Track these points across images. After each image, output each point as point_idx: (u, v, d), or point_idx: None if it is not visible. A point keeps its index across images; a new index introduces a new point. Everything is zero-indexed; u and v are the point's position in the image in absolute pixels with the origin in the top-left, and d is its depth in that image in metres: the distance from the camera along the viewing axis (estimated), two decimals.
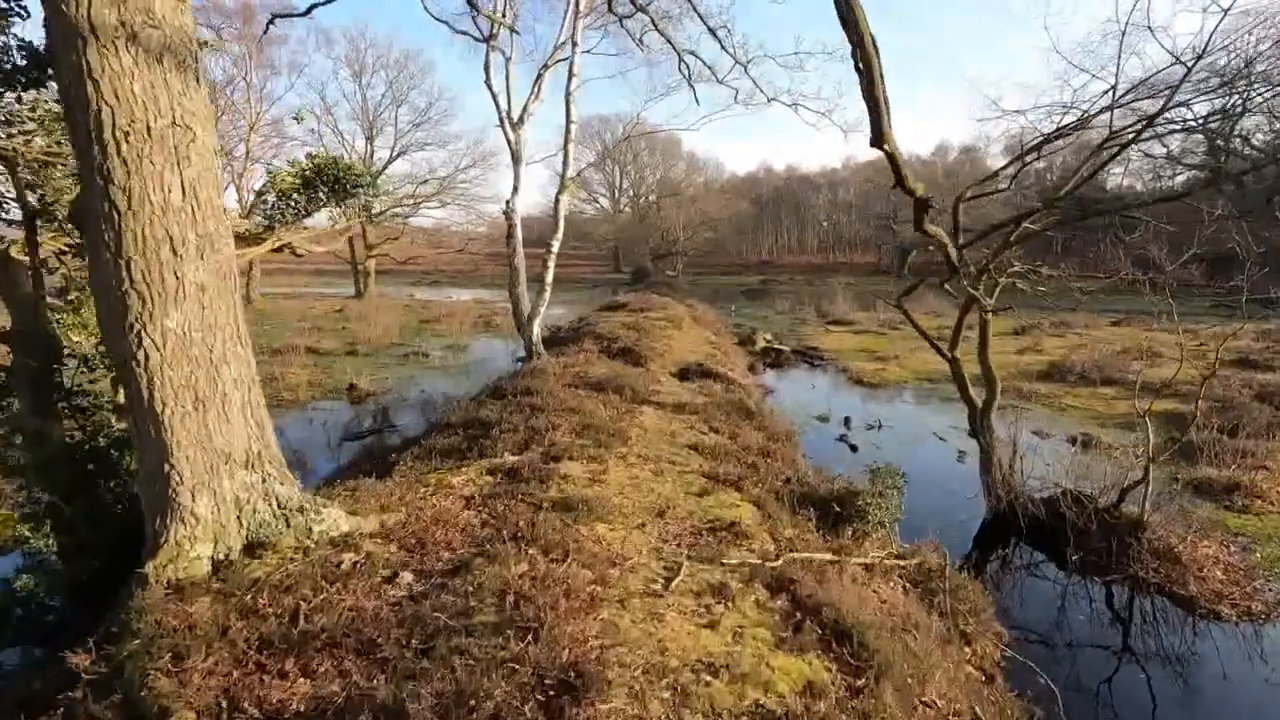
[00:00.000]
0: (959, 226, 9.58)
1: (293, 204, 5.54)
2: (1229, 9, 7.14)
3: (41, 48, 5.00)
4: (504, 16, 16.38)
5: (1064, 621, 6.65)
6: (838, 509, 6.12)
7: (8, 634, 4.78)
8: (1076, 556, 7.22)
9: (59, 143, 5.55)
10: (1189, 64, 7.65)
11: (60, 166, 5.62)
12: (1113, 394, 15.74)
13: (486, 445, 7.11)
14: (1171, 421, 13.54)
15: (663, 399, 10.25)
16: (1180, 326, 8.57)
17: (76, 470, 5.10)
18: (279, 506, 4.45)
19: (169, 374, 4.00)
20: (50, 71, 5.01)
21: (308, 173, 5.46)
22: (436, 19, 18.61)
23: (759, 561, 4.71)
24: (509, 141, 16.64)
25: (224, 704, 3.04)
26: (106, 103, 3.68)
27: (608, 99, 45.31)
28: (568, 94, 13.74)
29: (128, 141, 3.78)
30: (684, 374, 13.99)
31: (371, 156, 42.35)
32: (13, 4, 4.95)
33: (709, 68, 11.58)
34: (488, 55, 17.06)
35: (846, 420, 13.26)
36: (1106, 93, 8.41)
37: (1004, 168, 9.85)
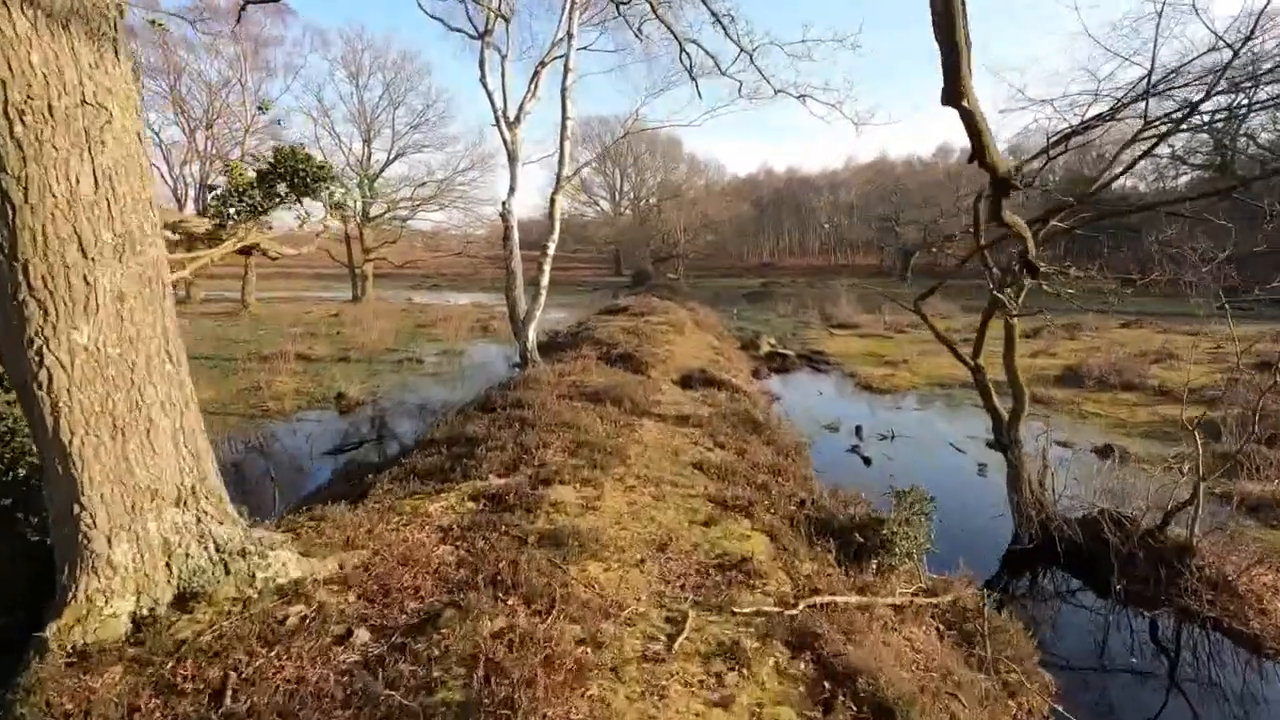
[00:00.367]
0: (980, 225, 8.97)
1: (249, 200, 4.92)
2: None
3: None
4: (498, 6, 15.83)
5: (1109, 659, 6.00)
6: (860, 539, 5.47)
7: None
8: (1121, 585, 6.55)
9: None
10: (1236, 46, 7.04)
11: None
12: (1134, 400, 15.08)
13: (471, 466, 6.47)
14: (1199, 429, 12.89)
15: (664, 410, 9.62)
16: (1230, 329, 7.91)
17: None
18: (217, 550, 3.82)
19: (78, 397, 3.37)
20: None
21: (263, 166, 4.87)
22: (431, 15, 18.14)
23: (776, 610, 4.07)
24: (505, 141, 16.07)
25: None
26: None
27: (607, 101, 44.83)
28: (564, 90, 13.16)
29: (24, 122, 3.16)
30: (686, 381, 13.36)
31: (369, 159, 41.90)
32: None
33: (712, 58, 11.03)
34: (482, 52, 16.51)
35: (858, 430, 12.61)
36: (1141, 80, 7.80)
37: (1027, 161, 9.19)
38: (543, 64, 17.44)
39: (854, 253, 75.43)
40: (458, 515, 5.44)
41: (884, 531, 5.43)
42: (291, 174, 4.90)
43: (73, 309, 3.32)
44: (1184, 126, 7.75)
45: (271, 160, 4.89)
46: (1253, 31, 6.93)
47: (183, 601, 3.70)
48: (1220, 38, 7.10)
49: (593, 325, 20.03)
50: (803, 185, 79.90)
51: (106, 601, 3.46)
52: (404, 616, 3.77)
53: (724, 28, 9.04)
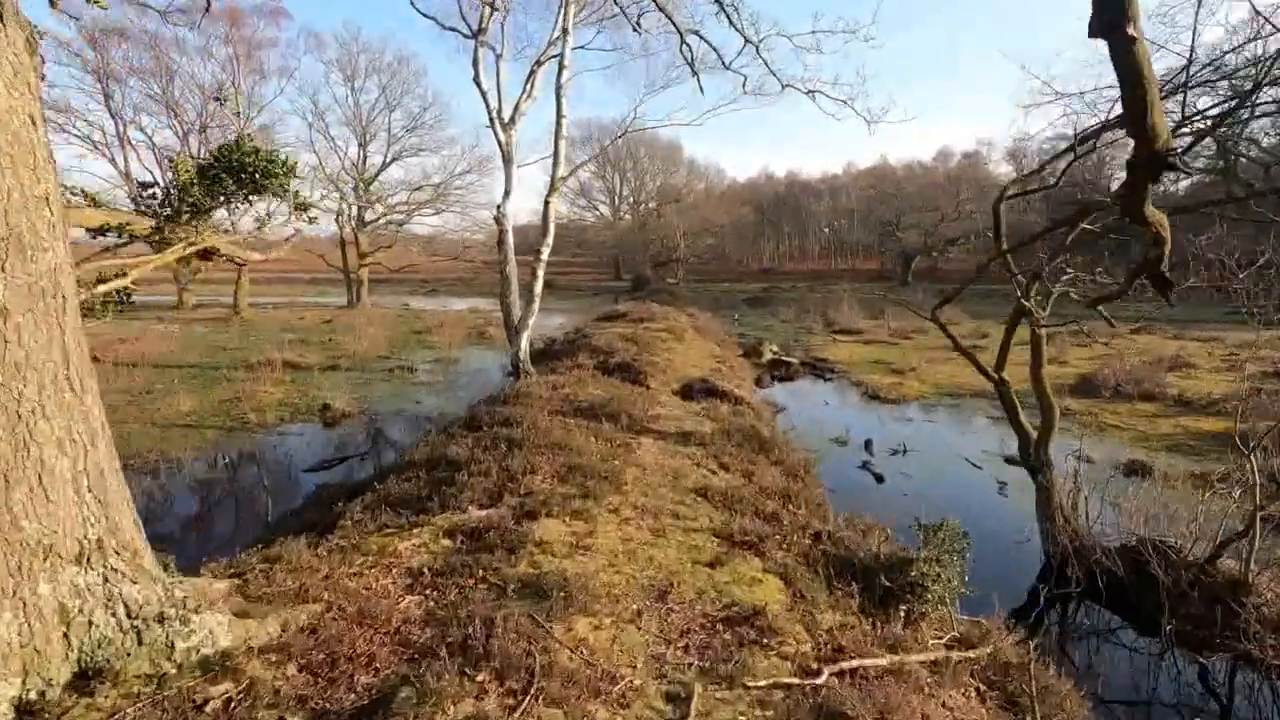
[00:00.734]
0: (1002, 227, 8.38)
1: (190, 199, 4.32)
2: None
3: None
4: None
5: (1158, 710, 5.37)
6: (886, 582, 4.83)
7: None
8: (1171, 626, 5.91)
9: None
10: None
11: None
12: (1153, 410, 14.45)
13: (450, 494, 5.84)
14: (1222, 442, 12.30)
15: (664, 425, 9.00)
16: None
17: None
18: (128, 616, 3.19)
19: None
20: None
21: (203, 160, 4.27)
22: (424, 14, 17.70)
23: (796, 680, 3.44)
24: (499, 143, 15.52)
25: None
26: None
27: (605, 103, 44.32)
28: (558, 87, 12.59)
29: None
30: (687, 392, 12.74)
31: (364, 162, 41.36)
32: None
33: (714, 50, 10.41)
34: (476, 51, 15.98)
35: (868, 444, 11.98)
36: (1180, 70, 7.21)
37: (1052, 160, 8.62)
38: (539, 63, 16.91)
39: (854, 257, 74.99)
40: (430, 555, 4.81)
41: (913, 573, 4.80)
42: (238, 169, 4.30)
43: None
44: (1229, 119, 7.13)
45: (214, 154, 4.31)
46: None
47: (83, 680, 3.06)
48: (1268, 19, 6.50)
49: (590, 332, 19.42)
50: (803, 190, 79.52)
51: None
52: (351, 696, 3.14)
53: (728, 17, 8.48)
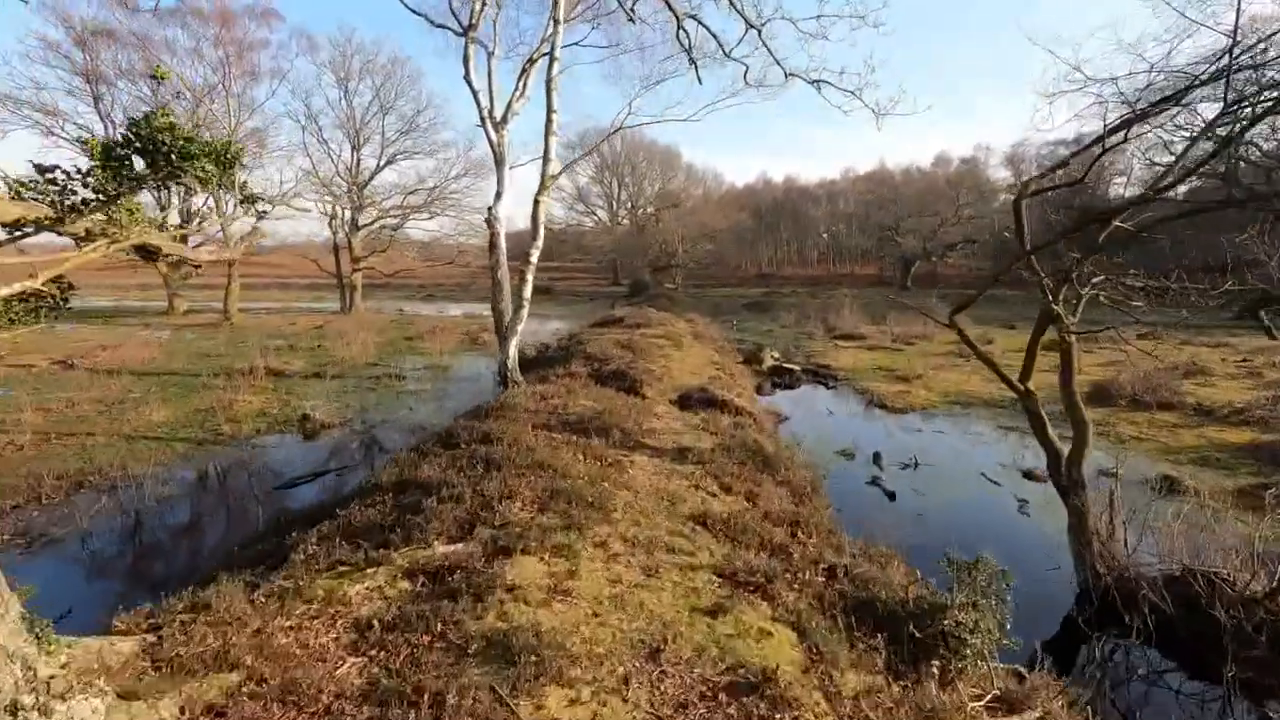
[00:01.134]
0: (1024, 227, 7.73)
1: (94, 184, 3.65)
2: None
3: None
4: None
5: None
6: (915, 631, 4.15)
7: None
8: (1232, 672, 5.22)
9: None
10: None
11: None
12: (1173, 420, 13.80)
13: (416, 524, 5.16)
14: (1252, 455, 11.66)
15: (659, 441, 8.32)
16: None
17: None
18: None
19: None
20: None
21: (110, 139, 3.60)
22: (414, 11, 17.07)
23: None
24: (491, 143, 14.89)
25: None
26: None
27: (604, 106, 43.79)
28: (548, 81, 11.97)
29: None
30: (685, 401, 12.07)
31: (358, 166, 40.68)
32: None
33: (713, 35, 9.77)
34: (467, 48, 15.37)
35: (877, 457, 11.30)
36: (1221, 55, 6.58)
37: (1078, 153, 7.98)
38: (531, 61, 16.30)
39: (853, 262, 74.50)
40: (384, 602, 4.12)
41: (946, 622, 4.12)
42: (152, 149, 3.63)
43: None
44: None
45: (126, 131, 3.63)
46: None
47: None
48: None
49: (585, 338, 18.75)
50: (801, 195, 79.11)
51: None
52: None
53: None
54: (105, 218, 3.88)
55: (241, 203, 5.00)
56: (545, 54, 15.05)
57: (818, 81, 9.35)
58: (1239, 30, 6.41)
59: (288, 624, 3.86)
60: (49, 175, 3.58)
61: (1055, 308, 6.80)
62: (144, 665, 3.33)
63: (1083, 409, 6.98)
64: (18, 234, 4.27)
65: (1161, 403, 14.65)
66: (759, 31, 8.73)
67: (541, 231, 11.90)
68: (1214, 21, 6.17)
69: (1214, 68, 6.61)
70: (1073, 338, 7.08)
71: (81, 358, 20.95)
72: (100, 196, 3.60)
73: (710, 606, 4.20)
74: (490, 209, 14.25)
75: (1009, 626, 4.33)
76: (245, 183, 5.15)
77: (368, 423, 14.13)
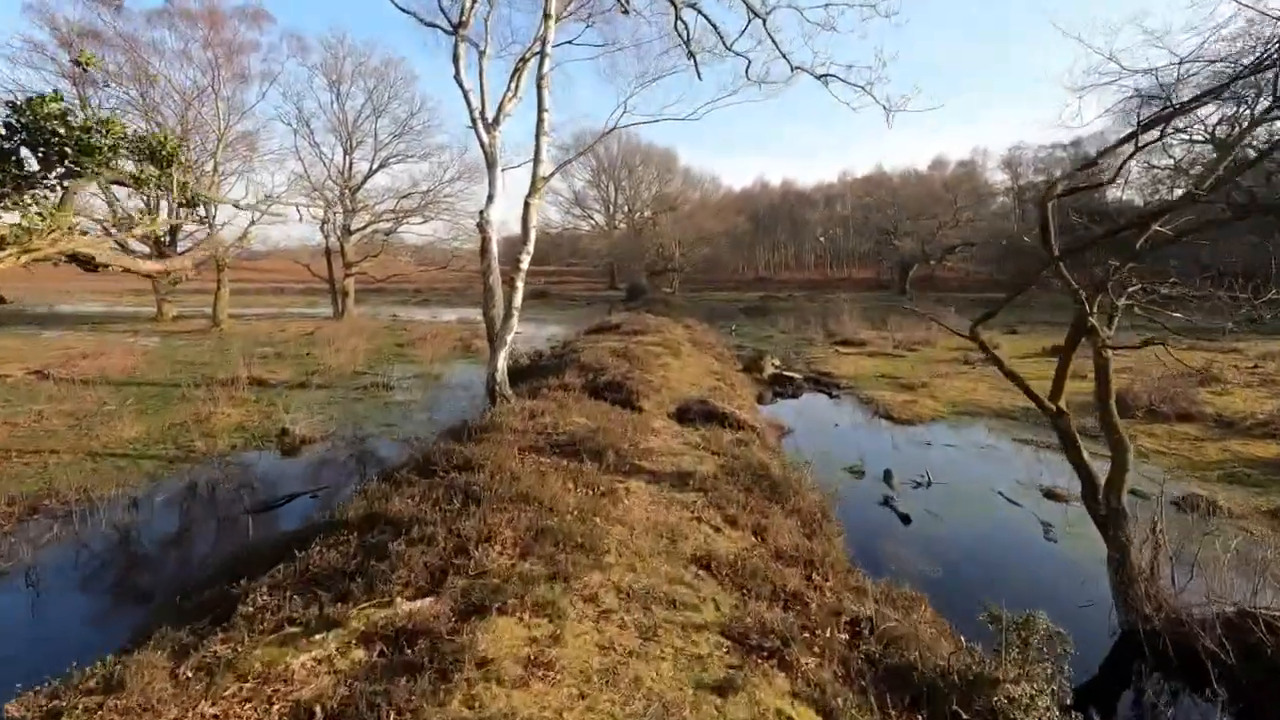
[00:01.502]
0: (1051, 230, 7.13)
1: None
2: None
3: None
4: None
5: None
6: (959, 708, 3.52)
7: None
8: None
9: None
10: None
11: None
12: (1195, 432, 13.22)
13: (380, 572, 4.51)
14: (1278, 471, 11.08)
15: (658, 462, 7.69)
16: None
17: None
18: None
19: None
20: None
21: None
22: (403, 9, 16.51)
23: None
24: (483, 144, 14.28)
25: None
26: None
27: (600, 106, 43.26)
28: (539, 77, 11.38)
29: None
30: (684, 414, 11.45)
31: (350, 169, 40.05)
32: None
33: (714, 26, 9.17)
34: (457, 46, 14.77)
35: (887, 475, 10.68)
36: (1272, 41, 6.01)
37: (1106, 152, 7.38)
38: (524, 60, 15.75)
39: (850, 266, 74.13)
40: (333, 678, 3.47)
41: (996, 697, 3.49)
42: (42, 139, 3.02)
43: None
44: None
45: (8, 119, 3.01)
46: None
47: None
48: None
49: (580, 346, 18.11)
50: (798, 199, 78.82)
51: None
52: None
53: None
54: (19, 224, 3.24)
55: (181, 206, 4.37)
56: (537, 53, 14.50)
57: (825, 76, 8.76)
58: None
59: (213, 710, 3.22)
60: None
61: (1091, 320, 6.20)
62: None
63: (1122, 430, 6.36)
64: None
65: (1180, 413, 14.08)
66: (764, 21, 8.15)
67: (533, 236, 11.28)
68: (1264, 4, 5.56)
69: (1257, 57, 6.03)
70: (1109, 353, 6.48)
71: (60, 367, 20.22)
72: None
73: (719, 681, 3.57)
74: (482, 213, 13.63)
75: (1069, 701, 3.71)
76: (186, 183, 4.52)
77: (351, 437, 13.47)
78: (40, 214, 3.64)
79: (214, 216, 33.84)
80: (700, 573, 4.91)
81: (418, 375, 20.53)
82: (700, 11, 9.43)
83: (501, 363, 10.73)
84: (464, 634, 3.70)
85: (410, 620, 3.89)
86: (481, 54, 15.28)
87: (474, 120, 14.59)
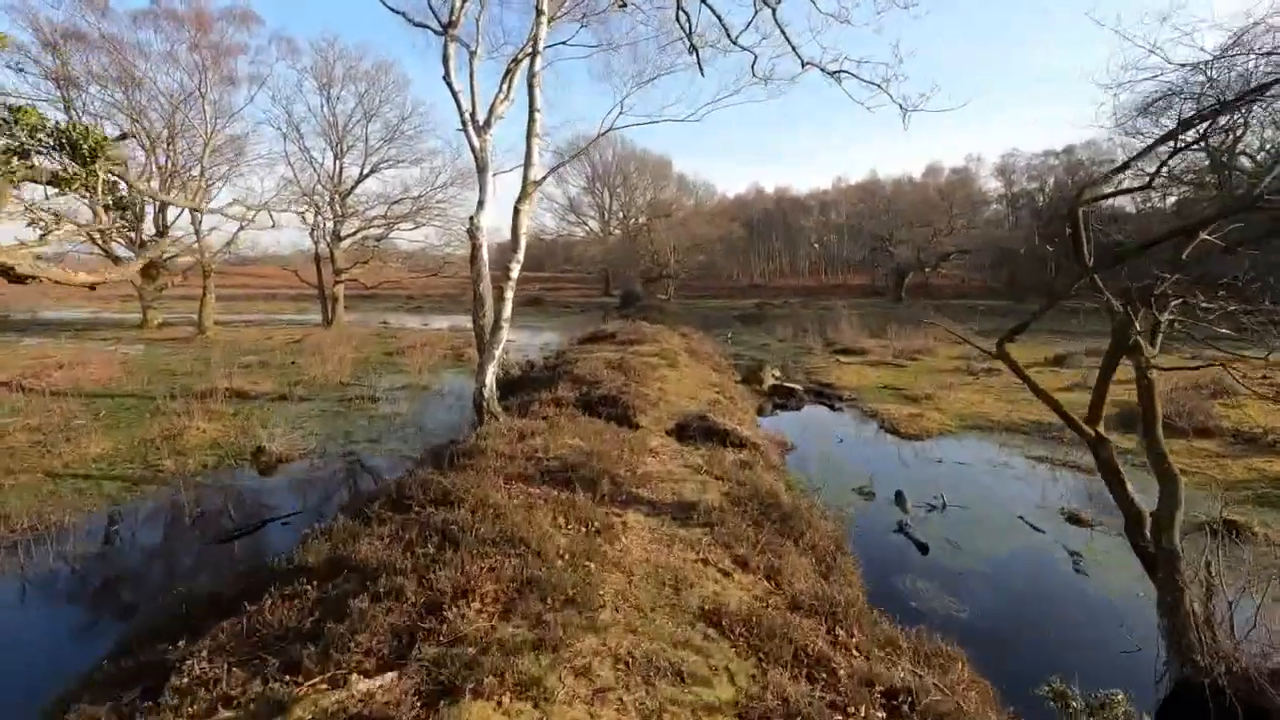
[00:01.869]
0: (1082, 239, 6.56)
1: None
2: None
3: None
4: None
5: None
6: None
7: None
8: None
9: None
10: None
11: None
12: (1215, 449, 12.70)
13: (338, 638, 3.85)
14: None
15: (657, 490, 7.05)
16: None
17: None
18: None
19: None
20: None
21: None
22: (392, 9, 15.92)
23: None
24: (473, 148, 13.68)
25: None
26: None
27: (595, 110, 42.80)
28: (530, 78, 10.82)
29: None
30: (683, 431, 10.83)
31: (340, 174, 39.34)
32: None
33: (718, 17, 8.60)
34: (446, 47, 14.18)
35: (900, 498, 10.06)
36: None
37: (1142, 154, 6.82)
38: (516, 61, 15.17)
39: (845, 273, 73.88)
40: None
41: None
42: None
43: None
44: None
45: None
46: None
47: None
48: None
49: (573, 357, 17.47)
50: (793, 205, 78.57)
51: None
52: None
53: None
54: None
55: (108, 209, 3.75)
56: (530, 53, 13.95)
57: (838, 72, 8.19)
58: None
59: None
60: None
61: (1137, 337, 5.63)
62: None
63: (1172, 463, 5.77)
64: None
65: (1198, 428, 13.56)
66: (773, 11, 7.59)
67: (523, 243, 10.67)
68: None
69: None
70: (1154, 373, 5.91)
71: (33, 377, 19.40)
72: None
73: None
74: (472, 219, 13.03)
75: None
76: (116, 183, 3.90)
77: (331, 454, 12.77)
78: None
79: (200, 221, 33.16)
80: (710, 631, 4.27)
81: (406, 386, 19.80)
82: (704, 1, 8.85)
83: (489, 377, 10.09)
84: None
85: (365, 707, 3.23)
86: (472, 55, 14.73)
87: (464, 123, 14.00)
